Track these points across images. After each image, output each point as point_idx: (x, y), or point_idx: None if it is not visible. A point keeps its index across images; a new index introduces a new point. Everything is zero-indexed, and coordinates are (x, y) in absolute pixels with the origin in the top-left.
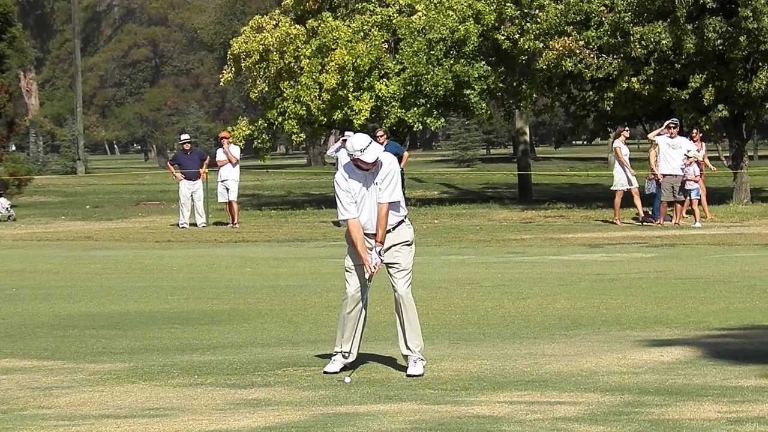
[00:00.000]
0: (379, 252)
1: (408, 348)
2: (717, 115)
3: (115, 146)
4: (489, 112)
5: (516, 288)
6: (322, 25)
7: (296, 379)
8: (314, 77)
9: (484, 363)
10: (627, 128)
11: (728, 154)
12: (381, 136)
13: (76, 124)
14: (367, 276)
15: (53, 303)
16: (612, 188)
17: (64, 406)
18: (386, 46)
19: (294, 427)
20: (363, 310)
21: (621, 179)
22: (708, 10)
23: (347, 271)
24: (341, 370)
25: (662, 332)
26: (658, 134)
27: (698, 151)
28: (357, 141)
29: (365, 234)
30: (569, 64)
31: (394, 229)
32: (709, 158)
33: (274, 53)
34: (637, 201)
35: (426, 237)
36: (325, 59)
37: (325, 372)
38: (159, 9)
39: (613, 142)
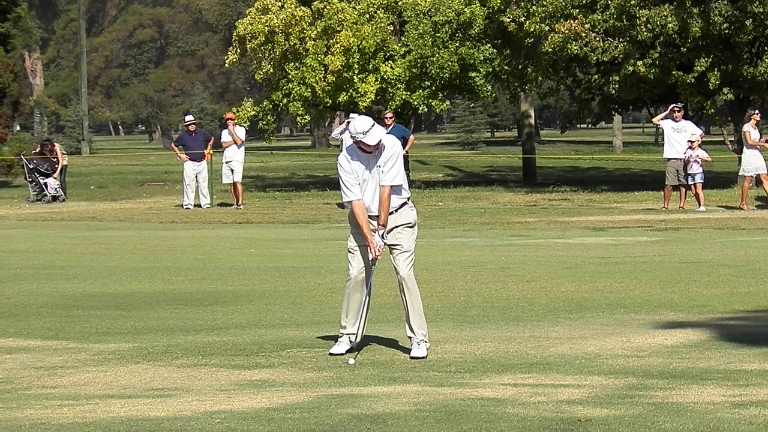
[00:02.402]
0: (382, 235)
1: (411, 330)
2: (722, 98)
3: (120, 127)
4: (494, 94)
5: (520, 271)
6: (327, 6)
7: (300, 360)
8: (319, 59)
9: (488, 345)
10: (757, 112)
11: (733, 138)
12: (390, 117)
13: (80, 104)
14: (370, 259)
15: (57, 283)
16: (740, 173)
17: (69, 385)
18: (392, 28)
19: (298, 408)
20: (367, 293)
21: (749, 163)
22: None
23: (350, 252)
24: (346, 351)
25: (666, 316)
26: (663, 118)
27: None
28: (360, 123)
29: (368, 216)
30: (575, 48)
31: (396, 211)
32: (715, 142)
33: (280, 35)
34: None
35: (430, 219)
36: (331, 41)
37: (330, 354)
38: None
39: (742, 126)
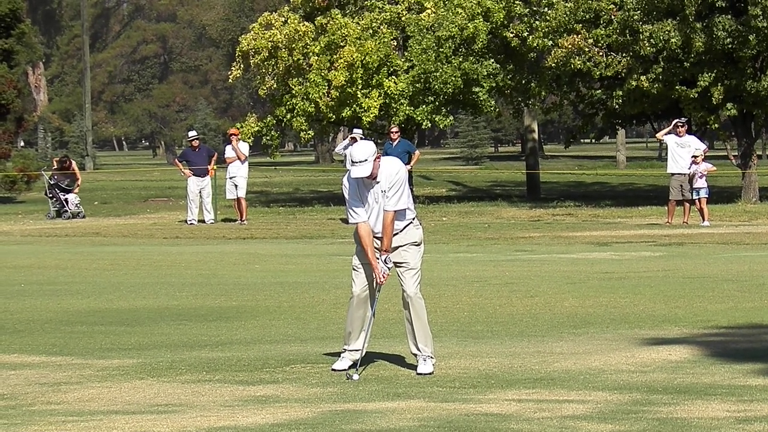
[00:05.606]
0: (386, 260)
1: (417, 348)
2: (726, 113)
3: (124, 142)
4: (497, 109)
5: (524, 286)
6: (331, 22)
7: (304, 376)
8: (323, 74)
9: (492, 361)
10: None
11: (737, 153)
12: (395, 132)
13: (84, 120)
14: (375, 285)
15: (61, 299)
16: None
17: (73, 401)
18: (395, 44)
19: (302, 424)
20: (371, 309)
21: None
22: (717, 9)
23: (354, 269)
24: (349, 367)
25: (670, 331)
26: (666, 133)
27: None
28: (356, 152)
29: (373, 236)
30: (578, 62)
31: (401, 231)
32: (718, 157)
33: (283, 50)
34: None
35: (434, 235)
36: (334, 56)
37: (333, 369)
38: (168, 5)
39: None
